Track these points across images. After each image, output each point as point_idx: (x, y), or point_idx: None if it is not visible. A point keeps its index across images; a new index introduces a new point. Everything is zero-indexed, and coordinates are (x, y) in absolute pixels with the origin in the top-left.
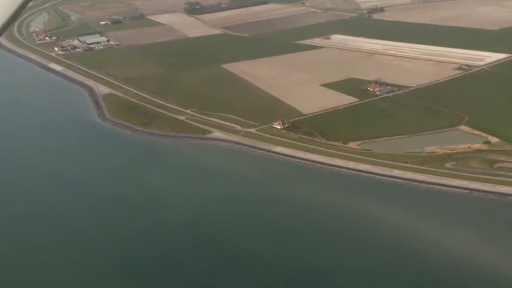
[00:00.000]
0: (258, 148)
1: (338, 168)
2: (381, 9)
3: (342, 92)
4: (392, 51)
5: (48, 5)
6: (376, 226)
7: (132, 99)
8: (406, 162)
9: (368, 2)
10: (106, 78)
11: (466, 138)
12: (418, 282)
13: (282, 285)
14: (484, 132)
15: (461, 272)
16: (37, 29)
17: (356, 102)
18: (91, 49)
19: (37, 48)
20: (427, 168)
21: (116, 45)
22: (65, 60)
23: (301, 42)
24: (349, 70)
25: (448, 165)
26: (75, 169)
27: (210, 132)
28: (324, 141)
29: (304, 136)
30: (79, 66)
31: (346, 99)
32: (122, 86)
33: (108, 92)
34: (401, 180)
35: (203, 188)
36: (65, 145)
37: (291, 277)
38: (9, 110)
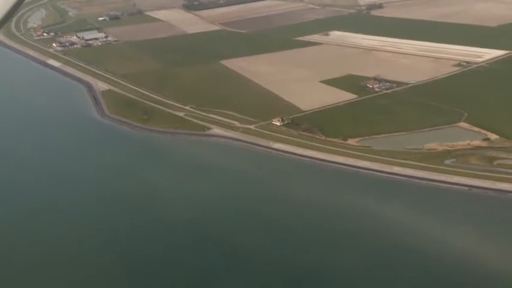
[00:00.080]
0: (257, 145)
1: (337, 165)
2: (380, 6)
3: (341, 88)
4: (391, 48)
5: (46, 0)
6: (375, 223)
7: (130, 96)
8: (405, 159)
9: None
10: (104, 74)
11: (466, 135)
12: (417, 279)
13: (282, 282)
14: (483, 129)
15: (460, 269)
16: (35, 25)
17: (355, 98)
18: (89, 45)
19: (35, 44)
20: (426, 165)
21: (114, 41)
22: (63, 56)
23: (300, 38)
24: (348, 66)
25: (447, 162)
26: (75, 166)
27: (209, 128)
28: (323, 138)
29: (303, 133)
30: (77, 62)
31: (346, 96)
32: (121, 82)
33: (107, 88)
34: (400, 177)
35: (202, 185)
36: (64, 142)
37: (291, 274)
38: (7, 106)
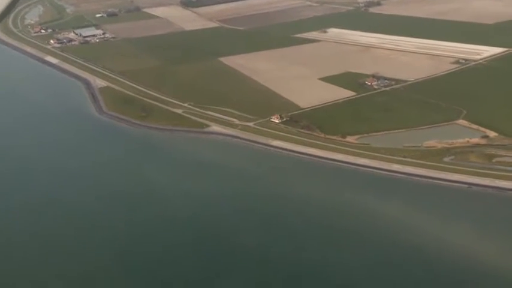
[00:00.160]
0: (256, 142)
1: (336, 163)
2: (378, 3)
3: (339, 85)
4: (389, 45)
5: None
6: (374, 221)
7: (128, 93)
8: (404, 157)
9: None
10: (102, 71)
11: (465, 133)
12: (417, 276)
13: (281, 279)
14: (482, 126)
15: (460, 266)
16: (32, 22)
17: (354, 96)
18: (87, 42)
19: (33, 40)
20: (425, 162)
21: (111, 38)
22: (61, 53)
23: (298, 35)
24: (346, 64)
25: (446, 159)
26: (73, 163)
27: (207, 126)
28: (322, 135)
29: (302, 130)
30: (75, 59)
31: (344, 93)
32: (119, 79)
33: (105, 85)
34: (400, 175)
35: (201, 182)
36: (62, 139)
37: (290, 271)
38: (5, 103)
